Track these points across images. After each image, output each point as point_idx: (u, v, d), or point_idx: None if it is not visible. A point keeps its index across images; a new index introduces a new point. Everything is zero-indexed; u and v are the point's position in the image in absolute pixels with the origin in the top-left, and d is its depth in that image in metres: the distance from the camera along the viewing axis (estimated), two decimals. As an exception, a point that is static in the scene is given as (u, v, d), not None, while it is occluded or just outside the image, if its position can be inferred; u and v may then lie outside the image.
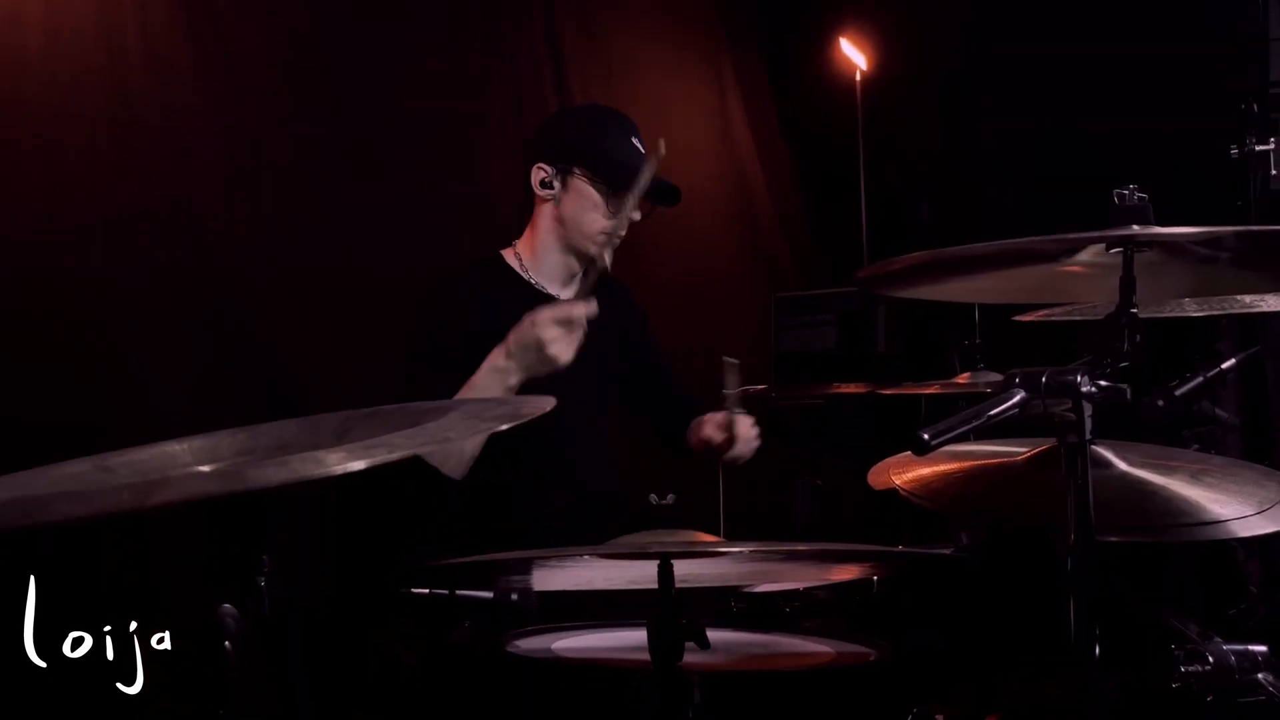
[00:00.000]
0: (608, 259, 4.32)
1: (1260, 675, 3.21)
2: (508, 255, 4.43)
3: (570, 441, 4.37)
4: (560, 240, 4.39)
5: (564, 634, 3.32)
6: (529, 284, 4.39)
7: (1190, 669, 3.22)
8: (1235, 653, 3.21)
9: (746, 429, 4.44)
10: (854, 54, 6.43)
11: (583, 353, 4.17)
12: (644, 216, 4.41)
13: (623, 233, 4.35)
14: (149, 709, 4.06)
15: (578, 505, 4.33)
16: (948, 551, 4.38)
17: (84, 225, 4.80)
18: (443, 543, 4.23)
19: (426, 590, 3.27)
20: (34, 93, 4.74)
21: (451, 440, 2.14)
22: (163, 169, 4.99)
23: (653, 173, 4.18)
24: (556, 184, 4.36)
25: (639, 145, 4.43)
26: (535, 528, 4.22)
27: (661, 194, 4.42)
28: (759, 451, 4.96)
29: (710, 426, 4.47)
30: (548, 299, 4.32)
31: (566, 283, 4.43)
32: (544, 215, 4.39)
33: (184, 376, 4.94)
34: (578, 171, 4.35)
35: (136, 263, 4.88)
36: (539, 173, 4.36)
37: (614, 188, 4.33)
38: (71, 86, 4.82)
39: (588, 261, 4.38)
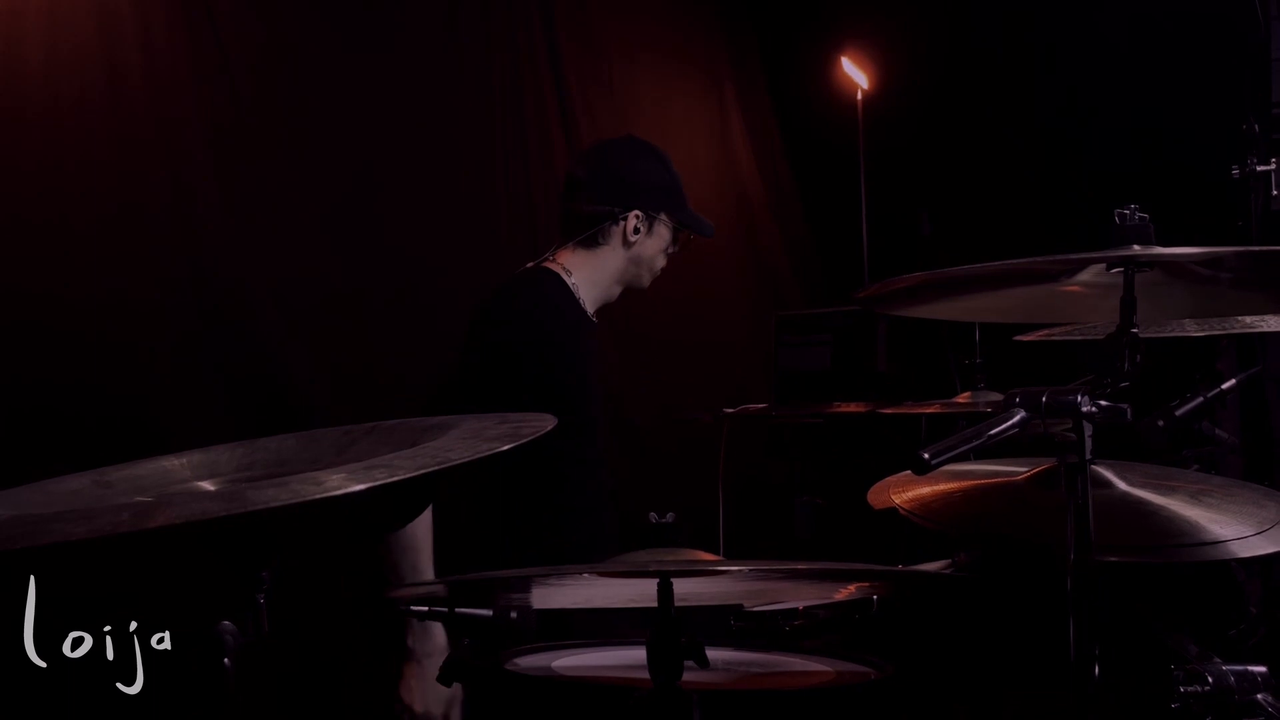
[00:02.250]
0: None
1: (1260, 696, 3.20)
2: (559, 273, 4.44)
3: (604, 461, 4.50)
4: (624, 276, 4.51)
5: (563, 652, 3.32)
6: (579, 304, 4.44)
7: (1189, 689, 3.21)
8: (1235, 673, 3.20)
9: None
10: (855, 73, 6.44)
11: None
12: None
13: None
14: (149, 709, 4.06)
15: (613, 524, 4.43)
16: (944, 565, 4.38)
17: (83, 234, 4.80)
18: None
19: (425, 608, 3.27)
20: (35, 107, 4.75)
21: (451, 461, 2.14)
22: (161, 179, 5.00)
23: None
24: (643, 229, 4.46)
25: None
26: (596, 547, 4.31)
27: (710, 229, 4.65)
28: (760, 470, 4.97)
29: None
30: (591, 321, 4.46)
31: (597, 308, 4.50)
32: (615, 253, 4.47)
33: (179, 380, 4.95)
34: (663, 217, 4.48)
35: (134, 269, 4.89)
36: (634, 219, 4.44)
37: (694, 234, 4.56)
38: (72, 100, 4.82)
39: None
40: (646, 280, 4.54)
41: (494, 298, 4.41)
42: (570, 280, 4.42)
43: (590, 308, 4.46)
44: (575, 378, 4.30)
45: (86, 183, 4.83)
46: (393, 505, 4.17)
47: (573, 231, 4.47)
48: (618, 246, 4.45)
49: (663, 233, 4.48)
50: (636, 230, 4.43)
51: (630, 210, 4.43)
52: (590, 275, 4.45)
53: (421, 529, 4.15)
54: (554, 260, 4.46)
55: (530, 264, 4.50)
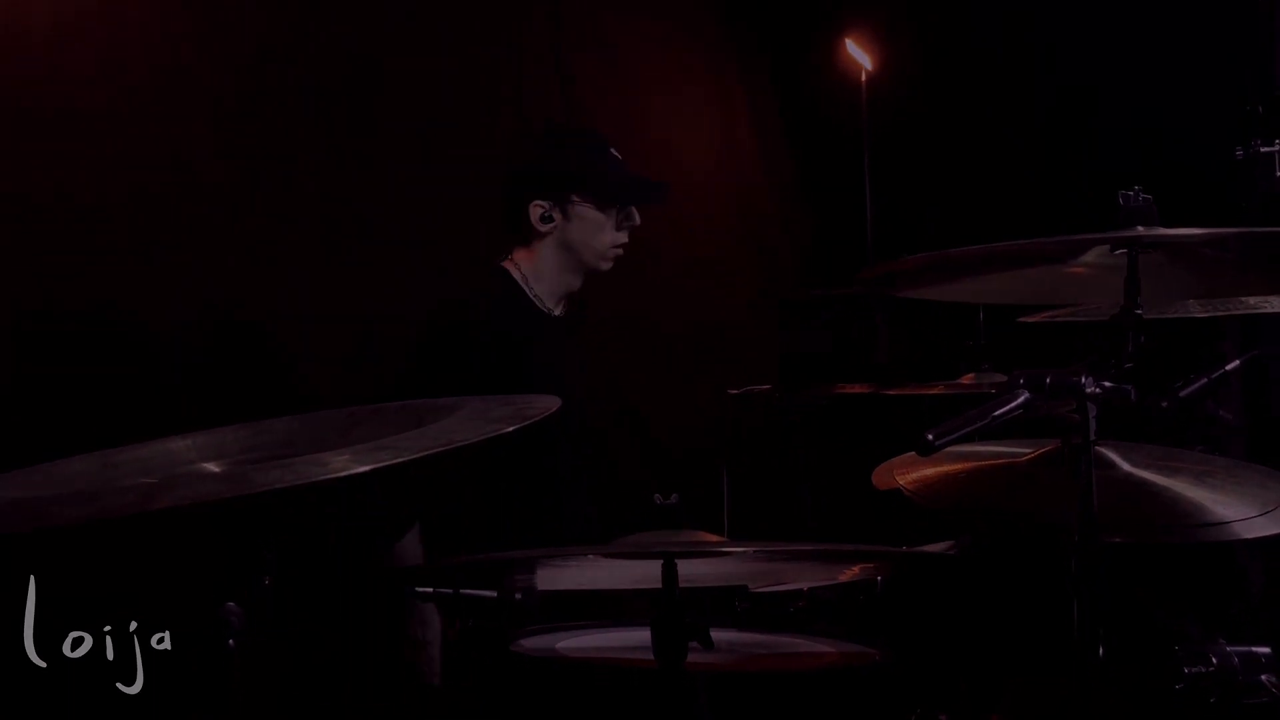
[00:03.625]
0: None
1: (1264, 677, 3.21)
2: (510, 269, 4.49)
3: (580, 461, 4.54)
4: (568, 264, 4.47)
5: (568, 633, 3.33)
6: (531, 300, 4.46)
7: (1194, 670, 3.22)
8: (1239, 654, 3.21)
9: None
10: (859, 55, 6.43)
11: (576, 375, 4.47)
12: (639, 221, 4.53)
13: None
14: (149, 709, 4.06)
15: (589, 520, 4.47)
16: (948, 547, 4.39)
17: (85, 221, 4.81)
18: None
19: (431, 589, 3.28)
20: (39, 85, 4.75)
21: (456, 443, 2.15)
22: (165, 158, 4.99)
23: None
24: (556, 215, 4.43)
25: (616, 154, 4.54)
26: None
27: (655, 193, 4.59)
28: (763, 452, 4.97)
29: None
30: (546, 315, 4.46)
31: (561, 300, 4.51)
32: (546, 244, 4.46)
33: (184, 361, 4.95)
34: (576, 199, 4.43)
35: (136, 254, 4.89)
36: (537, 209, 4.42)
37: (620, 204, 4.46)
38: (76, 78, 4.83)
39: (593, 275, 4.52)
40: (599, 264, 4.50)
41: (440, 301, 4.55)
42: (519, 274, 4.47)
43: (548, 301, 4.48)
44: (511, 370, 4.31)
45: (90, 161, 4.82)
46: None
47: (507, 230, 4.54)
48: (542, 237, 4.44)
49: (587, 213, 4.44)
50: (546, 219, 4.42)
51: (530, 202, 4.43)
52: (534, 269, 4.47)
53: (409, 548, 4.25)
54: (509, 258, 4.50)
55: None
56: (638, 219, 4.48)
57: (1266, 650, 3.24)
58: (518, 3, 6.19)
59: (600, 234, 4.45)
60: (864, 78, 6.36)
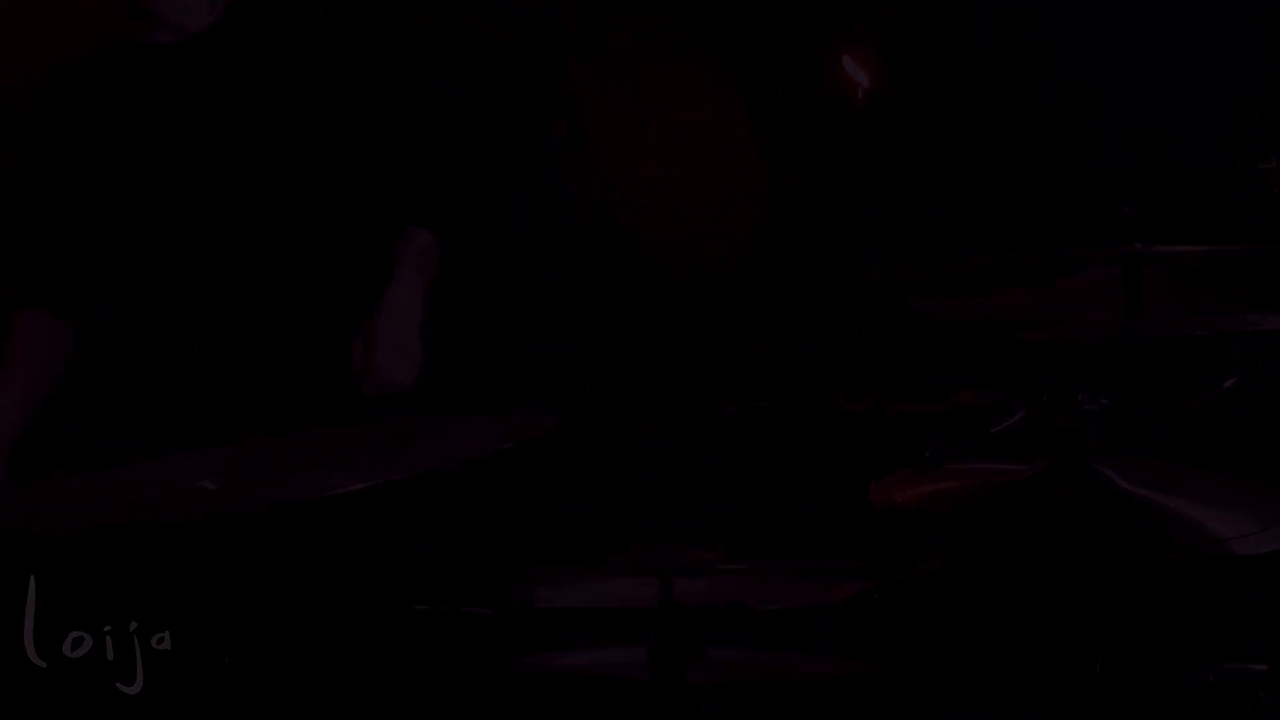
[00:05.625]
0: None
1: (1260, 694, 3.21)
2: None
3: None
4: None
5: (566, 650, 3.33)
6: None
7: (1191, 686, 3.22)
8: (1235, 671, 3.21)
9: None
10: (856, 72, 6.43)
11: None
12: None
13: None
14: (149, 709, 4.07)
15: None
16: (946, 562, 4.39)
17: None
18: None
19: (427, 607, 3.28)
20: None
21: (458, 458, 2.15)
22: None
23: None
24: None
25: None
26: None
27: None
28: (765, 467, 4.95)
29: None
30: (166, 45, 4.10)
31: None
32: None
33: (182, 371, 4.96)
34: None
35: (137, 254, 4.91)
36: None
37: None
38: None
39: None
40: None
41: None
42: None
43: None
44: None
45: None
46: None
47: None
48: None
49: None
50: None
51: None
52: None
53: None
54: None
55: None
56: None
57: (1263, 668, 3.24)
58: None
59: None
60: (862, 94, 6.37)
